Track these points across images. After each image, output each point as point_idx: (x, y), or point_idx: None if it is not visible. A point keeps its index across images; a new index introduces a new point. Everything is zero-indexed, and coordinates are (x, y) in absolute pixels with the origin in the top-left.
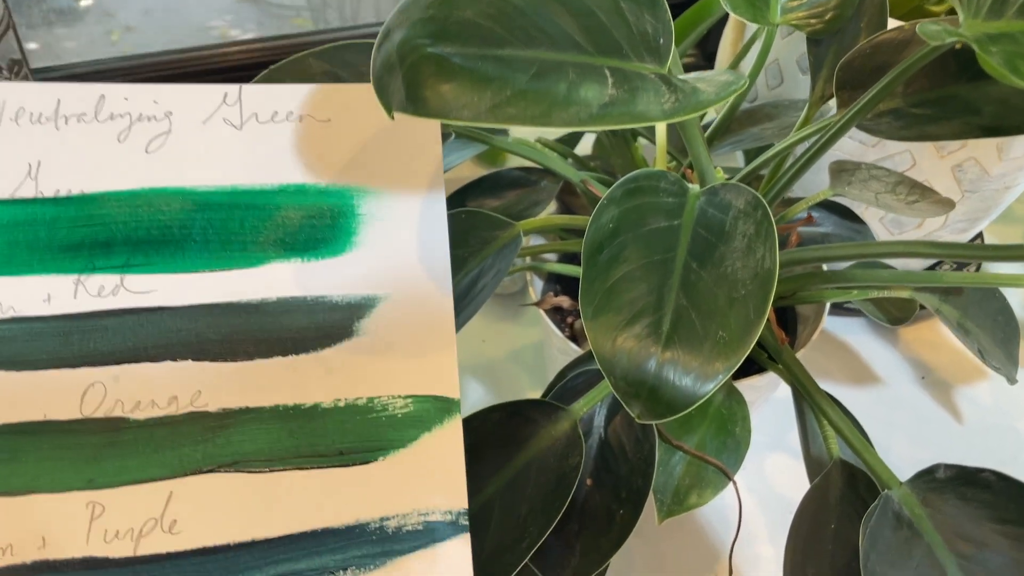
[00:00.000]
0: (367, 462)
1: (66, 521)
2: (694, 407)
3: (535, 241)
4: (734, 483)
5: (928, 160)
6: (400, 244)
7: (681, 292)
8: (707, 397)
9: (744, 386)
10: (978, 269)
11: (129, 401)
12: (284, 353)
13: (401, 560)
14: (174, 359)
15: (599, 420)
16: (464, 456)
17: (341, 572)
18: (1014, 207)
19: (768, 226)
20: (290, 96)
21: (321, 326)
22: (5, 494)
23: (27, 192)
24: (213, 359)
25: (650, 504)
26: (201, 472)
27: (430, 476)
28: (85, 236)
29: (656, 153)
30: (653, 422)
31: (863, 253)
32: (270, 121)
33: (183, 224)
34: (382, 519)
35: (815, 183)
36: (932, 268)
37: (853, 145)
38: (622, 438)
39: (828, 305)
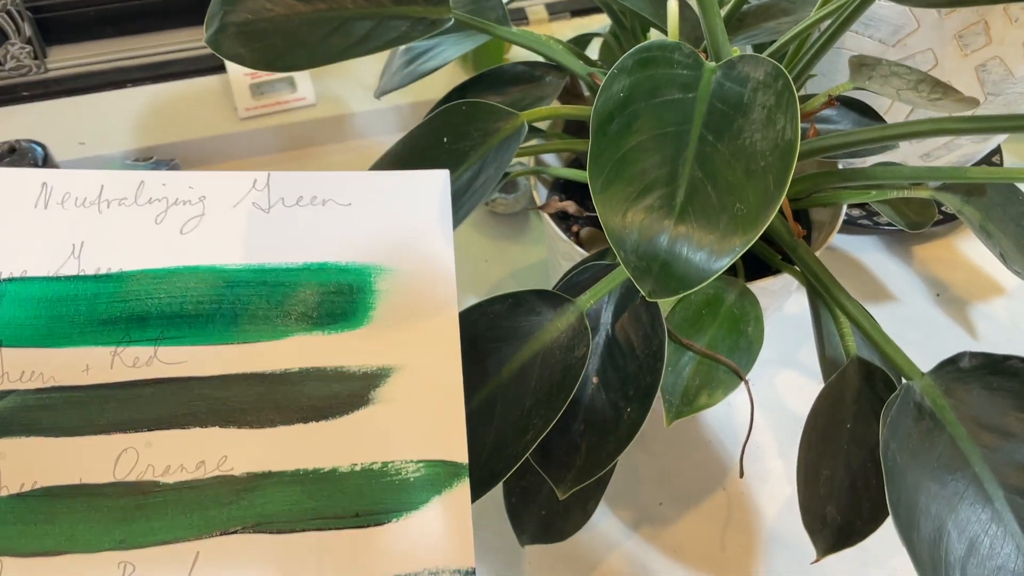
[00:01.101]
0: (381, 523)
1: None
2: (708, 282)
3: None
4: (746, 383)
5: (951, 60)
6: (413, 319)
7: (696, 164)
8: (720, 272)
9: (757, 288)
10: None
11: (160, 465)
12: (305, 420)
13: None
14: (203, 426)
15: (606, 317)
16: (471, 517)
17: None
18: None
19: (790, 96)
20: (315, 182)
21: (339, 395)
22: (40, 554)
23: (70, 270)
24: (239, 426)
25: (659, 417)
26: (226, 533)
27: (440, 536)
28: (123, 311)
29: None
30: (665, 299)
31: (883, 136)
32: (296, 205)
33: (213, 300)
34: None
35: (835, 84)
36: None
37: (873, 45)
38: (630, 335)
39: (844, 208)
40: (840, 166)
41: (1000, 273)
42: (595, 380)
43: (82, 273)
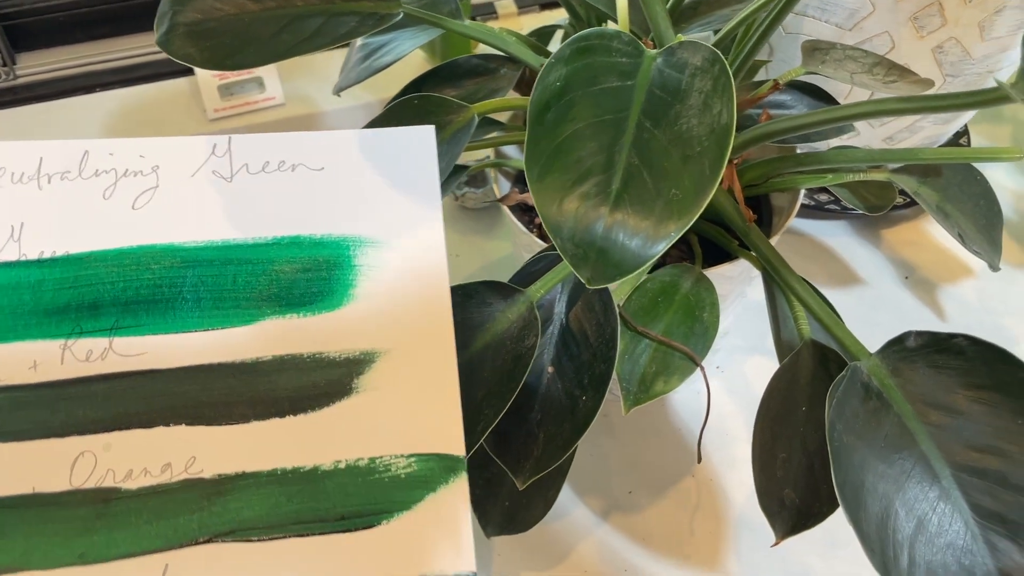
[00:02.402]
0: (370, 526)
1: None
2: (644, 268)
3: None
4: (701, 368)
5: (908, 42)
6: (399, 296)
7: (633, 151)
8: (656, 257)
9: (715, 275)
10: None
11: (121, 470)
12: (281, 414)
13: None
14: (167, 424)
15: (560, 307)
16: (471, 516)
17: None
18: (1002, 108)
19: (726, 81)
20: (282, 145)
21: (319, 384)
22: None
23: (10, 255)
24: (208, 423)
25: (628, 420)
26: (198, 543)
27: (436, 539)
28: (72, 299)
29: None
30: (603, 286)
31: (830, 118)
32: (261, 172)
33: (173, 282)
34: None
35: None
36: None
37: (830, 30)
38: (584, 324)
39: (802, 192)
40: (799, 152)
41: (969, 255)
42: (550, 370)
43: (23, 258)
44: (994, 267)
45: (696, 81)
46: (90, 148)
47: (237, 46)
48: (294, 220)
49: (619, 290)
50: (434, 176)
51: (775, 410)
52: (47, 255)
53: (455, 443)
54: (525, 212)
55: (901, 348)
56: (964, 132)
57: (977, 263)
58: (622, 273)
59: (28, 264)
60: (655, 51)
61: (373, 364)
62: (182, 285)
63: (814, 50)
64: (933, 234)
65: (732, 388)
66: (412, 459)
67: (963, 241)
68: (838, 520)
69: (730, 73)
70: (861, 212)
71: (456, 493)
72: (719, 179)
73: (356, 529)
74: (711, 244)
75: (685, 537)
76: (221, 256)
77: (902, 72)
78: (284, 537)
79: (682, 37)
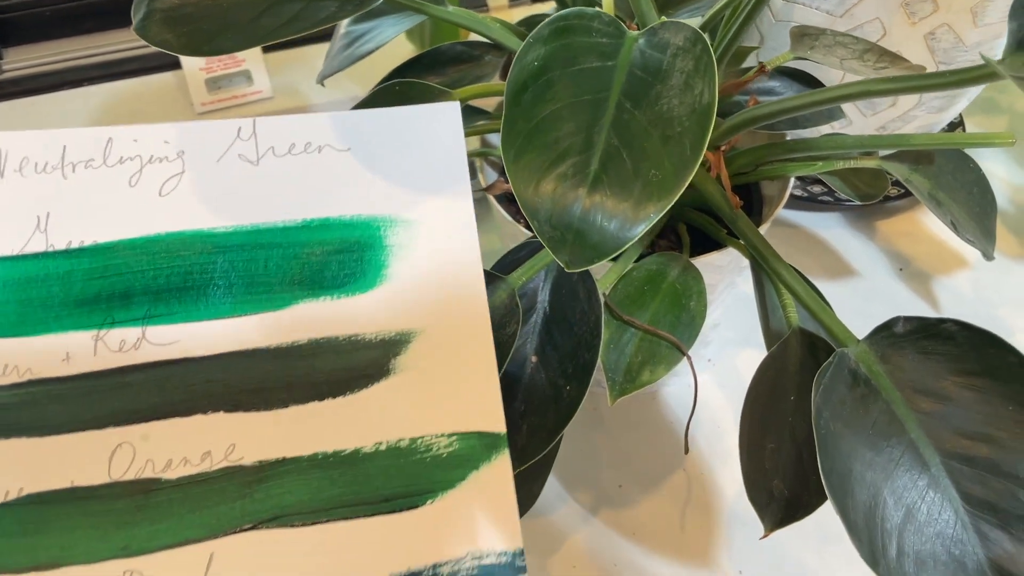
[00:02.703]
0: (415, 507)
1: None
2: (631, 256)
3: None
4: (688, 357)
5: (899, 29)
6: (432, 275)
7: (612, 131)
8: (635, 239)
9: (703, 264)
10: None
11: (160, 460)
12: (320, 398)
13: None
14: (205, 412)
15: (543, 295)
16: (515, 493)
17: None
18: (997, 98)
19: (708, 60)
20: (307, 126)
21: (356, 366)
22: (34, 568)
23: (37, 246)
24: (246, 409)
25: (619, 406)
26: (242, 530)
27: (482, 517)
28: (102, 289)
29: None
30: (582, 269)
31: (818, 100)
32: (288, 154)
33: (204, 269)
34: (435, 566)
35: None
36: None
37: (821, 16)
38: (567, 312)
39: (792, 180)
40: (789, 139)
41: (964, 246)
42: (534, 359)
43: (51, 249)
44: (988, 256)
45: (678, 61)
46: (114, 135)
47: (215, 31)
48: (323, 202)
49: (605, 279)
50: (461, 152)
51: (763, 399)
52: (75, 245)
53: (495, 420)
54: (512, 202)
55: (889, 334)
56: (960, 123)
57: (972, 254)
58: (600, 256)
59: (56, 255)
60: (637, 32)
61: (409, 344)
62: (213, 271)
63: (803, 35)
64: (928, 225)
65: (723, 381)
66: (453, 438)
67: (956, 229)
68: (832, 514)
69: (712, 52)
70: (855, 204)
71: (499, 470)
72: (700, 159)
73: (401, 510)
74: (701, 234)
75: (676, 532)
76: (251, 241)
77: (893, 58)
78: (328, 521)
79: (665, 19)
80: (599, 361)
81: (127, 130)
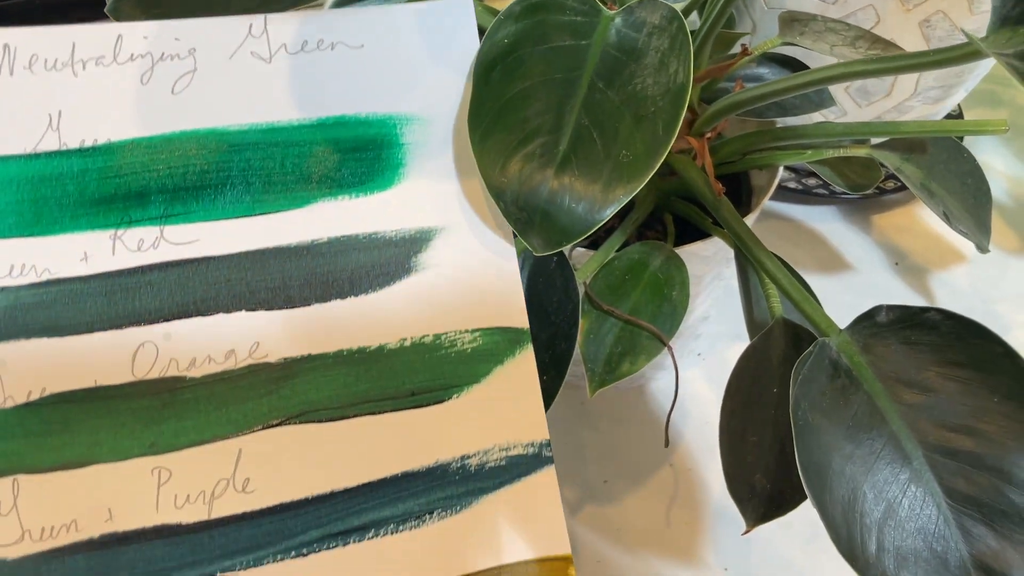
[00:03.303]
0: (441, 401)
1: (132, 490)
2: (591, 232)
3: None
4: (669, 348)
5: (893, 16)
6: (450, 173)
7: (583, 111)
8: (603, 221)
9: (688, 254)
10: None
11: (184, 359)
12: (342, 296)
13: (488, 498)
14: (227, 311)
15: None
16: (539, 386)
17: (427, 516)
18: (998, 91)
19: (683, 39)
20: (318, 23)
21: (377, 264)
22: (61, 467)
23: (50, 145)
24: (268, 308)
25: (605, 393)
26: (269, 426)
27: (507, 410)
28: (117, 188)
29: None
30: (550, 252)
31: (803, 82)
32: (300, 51)
33: (220, 168)
34: (463, 458)
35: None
36: None
37: (812, 3)
38: (543, 301)
39: (780, 170)
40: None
41: (961, 241)
42: None
43: (64, 148)
44: (982, 248)
45: (653, 40)
46: (123, 32)
47: (188, 12)
48: (337, 100)
49: (585, 268)
50: (475, 48)
51: (744, 391)
52: (88, 144)
53: (518, 316)
54: None
55: (872, 324)
56: (958, 115)
57: (969, 249)
58: (569, 238)
59: (70, 154)
60: (614, 12)
61: (430, 242)
62: (230, 170)
63: (792, 21)
64: (925, 219)
65: (712, 376)
66: (477, 334)
67: (949, 221)
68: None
69: (688, 32)
70: (850, 197)
71: (524, 365)
72: (673, 139)
73: (427, 404)
74: (690, 225)
75: (661, 528)
76: (267, 139)
77: (886, 45)
78: (356, 416)
79: None
80: (579, 352)
81: (137, 26)
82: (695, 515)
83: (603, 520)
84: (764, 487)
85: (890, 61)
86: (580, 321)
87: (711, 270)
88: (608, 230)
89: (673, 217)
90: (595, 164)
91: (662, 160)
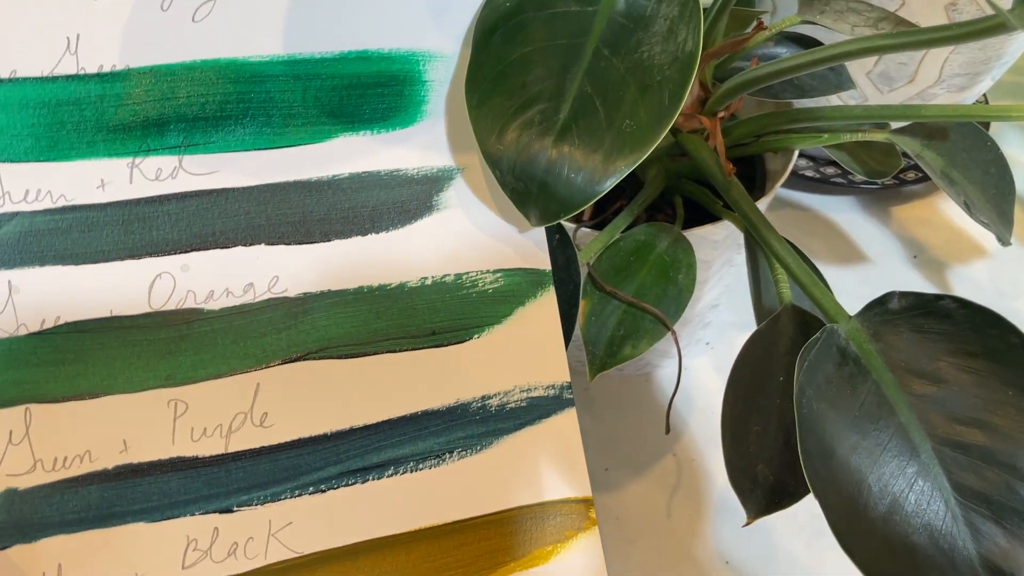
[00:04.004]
0: (462, 340)
1: (147, 422)
2: (590, 204)
3: None
4: (672, 332)
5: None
6: None
7: (586, 79)
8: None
9: (696, 237)
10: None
11: (201, 291)
12: (363, 232)
13: (509, 438)
14: (246, 244)
15: None
16: (561, 329)
17: (447, 455)
18: None
19: (694, 6)
20: None
21: (398, 201)
22: (75, 397)
23: (68, 68)
24: (288, 242)
25: (608, 381)
26: (288, 361)
27: (528, 351)
28: (136, 115)
29: None
30: (549, 224)
31: (818, 58)
32: None
33: (241, 98)
34: (483, 398)
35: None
36: None
37: None
38: None
39: (796, 153)
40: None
41: (982, 234)
42: None
43: (82, 72)
44: (1004, 241)
45: (662, 7)
46: None
47: None
48: (360, 34)
49: (590, 248)
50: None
51: (748, 379)
52: (107, 69)
53: (540, 257)
54: None
55: (883, 310)
56: (984, 103)
57: (990, 244)
58: (567, 210)
59: (88, 78)
60: None
61: (452, 181)
62: (250, 101)
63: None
64: (946, 212)
65: (720, 365)
66: (498, 274)
67: (969, 211)
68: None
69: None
70: (869, 187)
71: (545, 306)
72: (678, 110)
73: (448, 344)
74: (701, 210)
75: (662, 518)
76: (288, 71)
77: (911, 28)
78: (375, 353)
79: None
80: (580, 335)
81: None
82: (697, 506)
83: (603, 508)
84: (767, 478)
85: (910, 35)
86: (581, 302)
87: (721, 255)
88: (616, 211)
89: (684, 200)
90: (597, 133)
91: (666, 131)
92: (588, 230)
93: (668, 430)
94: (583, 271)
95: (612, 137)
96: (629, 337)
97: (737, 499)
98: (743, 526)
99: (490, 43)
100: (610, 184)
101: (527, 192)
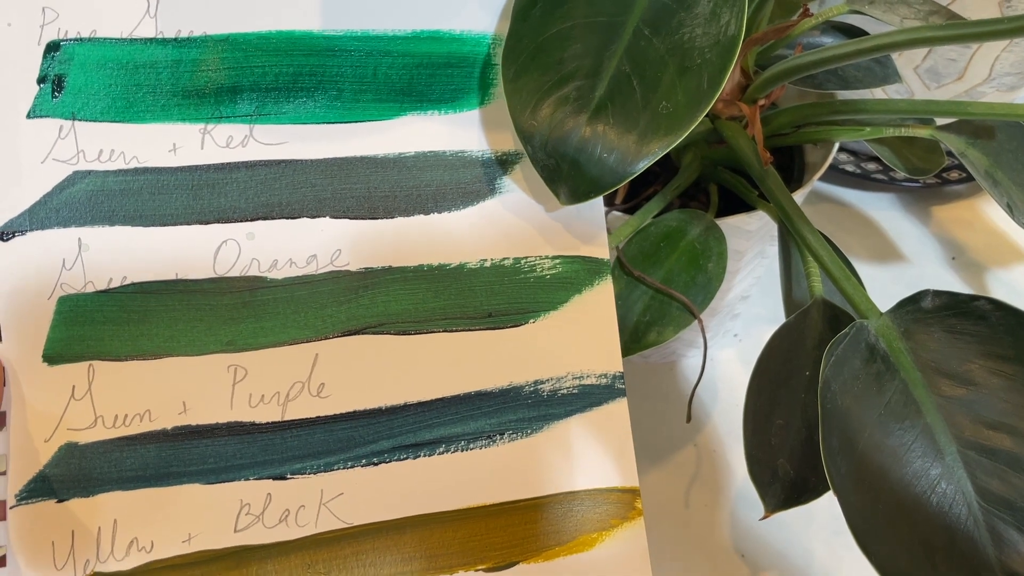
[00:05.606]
0: (518, 324)
1: (207, 385)
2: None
3: None
4: (699, 321)
5: None
6: None
7: (625, 57)
8: (636, 174)
9: (729, 226)
10: None
11: (265, 260)
12: (426, 211)
13: (560, 424)
14: (311, 216)
15: None
16: (617, 319)
17: (498, 436)
18: None
19: None
20: None
21: (462, 182)
22: (138, 356)
23: (147, 32)
24: (352, 217)
25: (631, 368)
26: (347, 333)
27: (583, 339)
28: (210, 82)
29: None
30: (578, 203)
31: (865, 48)
32: None
33: (314, 71)
34: (536, 382)
35: None
36: None
37: None
38: None
39: (836, 146)
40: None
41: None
42: None
43: (160, 36)
44: None
45: None
46: None
47: None
48: (432, 13)
49: (620, 231)
50: None
51: (774, 371)
52: (184, 35)
53: (599, 247)
54: None
55: (916, 308)
56: None
57: None
58: (599, 190)
59: (165, 42)
60: None
61: (516, 165)
62: (322, 75)
63: None
64: (988, 214)
65: (747, 358)
66: (557, 260)
67: (1012, 213)
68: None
69: None
70: (911, 185)
71: (602, 295)
72: (717, 94)
73: (504, 327)
74: (736, 199)
75: (679, 507)
76: (361, 47)
77: None
78: (432, 332)
79: None
80: None
81: None
82: (715, 497)
83: None
84: (787, 472)
85: (961, 27)
86: None
87: (754, 246)
88: (649, 196)
89: (719, 188)
90: (632, 113)
91: (703, 115)
92: (620, 213)
93: (689, 418)
94: (612, 254)
95: (648, 118)
96: (655, 323)
97: (755, 493)
98: (760, 519)
99: (529, 16)
100: (643, 166)
101: (558, 169)
